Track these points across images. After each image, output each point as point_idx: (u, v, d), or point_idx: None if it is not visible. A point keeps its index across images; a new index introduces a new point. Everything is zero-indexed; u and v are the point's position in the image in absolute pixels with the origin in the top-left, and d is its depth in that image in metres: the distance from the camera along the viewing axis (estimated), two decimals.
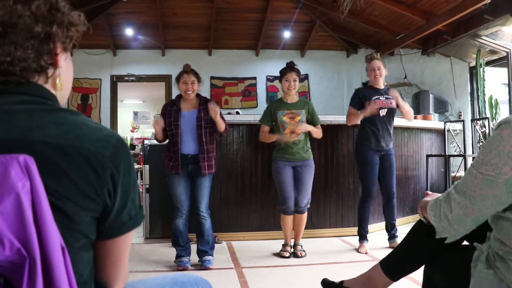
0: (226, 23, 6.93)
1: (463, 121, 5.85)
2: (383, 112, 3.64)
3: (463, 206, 1.10)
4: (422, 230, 1.44)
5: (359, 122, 3.74)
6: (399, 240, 3.60)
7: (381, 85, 3.73)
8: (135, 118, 7.59)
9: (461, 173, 5.52)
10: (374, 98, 3.65)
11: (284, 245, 3.58)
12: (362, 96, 3.69)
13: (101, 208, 0.80)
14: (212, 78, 7.52)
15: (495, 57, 6.41)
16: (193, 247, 3.33)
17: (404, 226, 4.36)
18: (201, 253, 3.21)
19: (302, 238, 3.63)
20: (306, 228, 3.71)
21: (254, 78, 7.72)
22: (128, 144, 7.20)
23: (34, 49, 0.79)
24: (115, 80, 7.52)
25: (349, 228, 4.25)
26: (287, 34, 7.17)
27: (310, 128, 3.50)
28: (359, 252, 3.60)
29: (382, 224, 4.16)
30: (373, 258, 3.40)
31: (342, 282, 1.70)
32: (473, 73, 6.76)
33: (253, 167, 4.19)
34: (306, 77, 7.72)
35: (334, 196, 4.33)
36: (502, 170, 1.02)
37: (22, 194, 0.65)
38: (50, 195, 0.71)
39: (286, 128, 3.46)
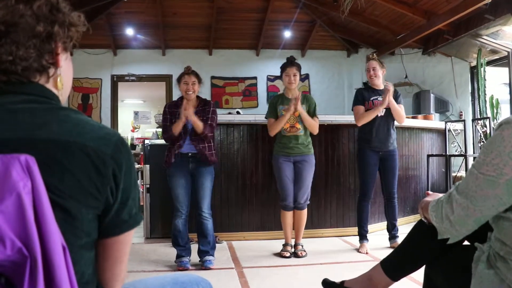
0: (227, 23, 6.93)
1: (464, 121, 5.84)
2: (382, 112, 3.64)
3: (464, 207, 1.10)
4: (423, 230, 1.44)
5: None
6: (400, 240, 3.60)
7: (380, 85, 3.73)
8: (135, 118, 7.60)
9: (462, 173, 5.52)
10: (372, 98, 3.66)
11: (285, 245, 3.58)
12: (362, 96, 3.70)
13: (102, 206, 0.80)
14: (212, 77, 7.52)
15: (496, 56, 6.40)
16: (194, 247, 3.33)
17: (405, 226, 4.36)
18: (202, 253, 3.22)
19: (303, 238, 3.63)
20: (307, 228, 3.71)
21: (255, 78, 7.72)
22: (129, 144, 7.21)
23: (35, 49, 0.80)
24: (116, 80, 7.52)
25: (349, 228, 4.24)
26: (287, 34, 7.17)
27: (305, 113, 3.45)
28: (360, 252, 3.60)
29: (383, 224, 4.16)
30: (374, 258, 3.40)
31: (343, 282, 1.70)
32: (474, 72, 6.76)
33: (254, 167, 4.19)
34: (306, 76, 7.72)
35: (334, 196, 4.32)
36: (503, 171, 1.02)
37: (23, 193, 0.65)
38: (52, 192, 0.72)
39: (287, 123, 3.47)
